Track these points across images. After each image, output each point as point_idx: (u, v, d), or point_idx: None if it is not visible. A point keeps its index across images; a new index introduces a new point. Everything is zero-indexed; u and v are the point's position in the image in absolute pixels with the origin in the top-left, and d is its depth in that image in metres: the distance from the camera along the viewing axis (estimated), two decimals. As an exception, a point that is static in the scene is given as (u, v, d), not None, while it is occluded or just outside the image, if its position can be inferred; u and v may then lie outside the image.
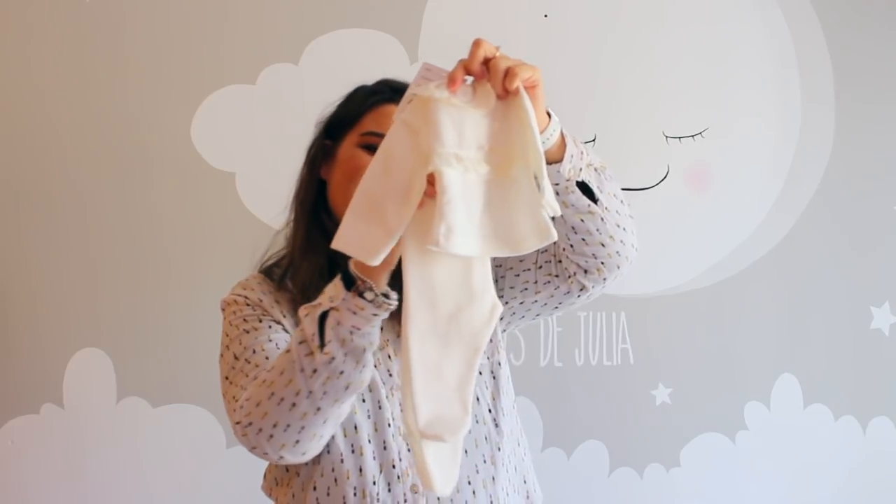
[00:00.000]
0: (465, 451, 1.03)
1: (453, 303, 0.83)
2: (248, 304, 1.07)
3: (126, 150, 1.75)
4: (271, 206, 1.82)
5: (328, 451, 1.02)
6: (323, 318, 0.87)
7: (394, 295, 0.86)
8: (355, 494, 1.02)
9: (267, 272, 1.13)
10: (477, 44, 0.79)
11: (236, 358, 1.02)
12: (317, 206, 1.11)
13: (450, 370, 0.83)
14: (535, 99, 0.80)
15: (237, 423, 0.94)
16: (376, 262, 0.80)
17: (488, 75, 0.79)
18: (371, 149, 1.04)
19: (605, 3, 1.90)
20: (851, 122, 1.97)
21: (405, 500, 1.01)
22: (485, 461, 1.05)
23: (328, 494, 1.03)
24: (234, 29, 1.78)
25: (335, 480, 1.02)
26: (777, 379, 1.96)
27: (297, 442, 0.91)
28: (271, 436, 0.91)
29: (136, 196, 1.76)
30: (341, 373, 0.86)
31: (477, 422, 1.06)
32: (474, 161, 0.79)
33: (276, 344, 1.01)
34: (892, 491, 1.99)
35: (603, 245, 0.96)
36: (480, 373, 1.11)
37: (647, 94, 1.91)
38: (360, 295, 0.84)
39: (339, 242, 0.81)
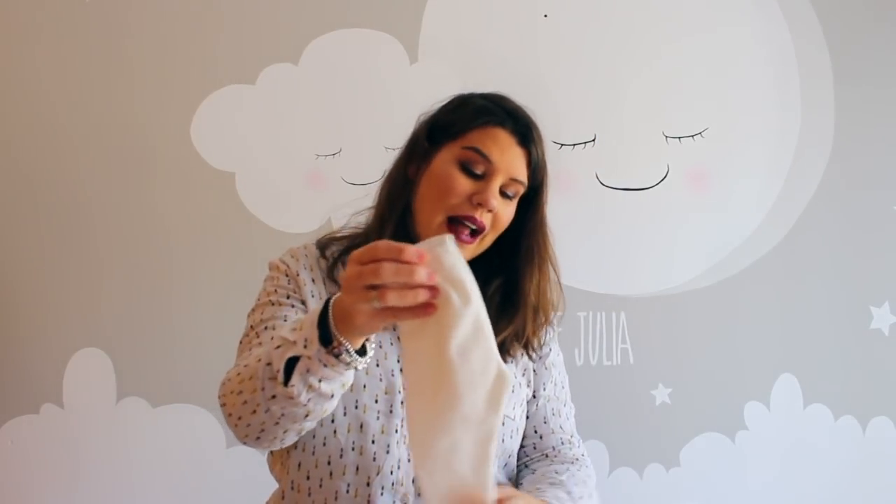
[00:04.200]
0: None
1: (454, 390, 0.77)
2: (286, 275, 1.08)
3: (126, 150, 1.75)
4: (271, 206, 1.84)
5: (324, 444, 1.02)
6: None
7: (371, 352, 0.83)
8: (348, 491, 1.01)
9: (324, 245, 1.13)
10: None
11: (252, 327, 1.05)
12: (401, 202, 1.08)
13: (461, 456, 0.79)
14: None
15: (219, 395, 0.96)
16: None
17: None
18: (468, 167, 1.02)
19: (606, 4, 1.90)
20: (851, 122, 1.97)
21: None
22: None
23: (321, 486, 1.03)
24: (233, 29, 1.78)
25: (330, 474, 1.02)
26: (777, 379, 1.96)
27: (258, 438, 0.93)
28: (235, 424, 0.93)
29: (136, 196, 1.76)
30: (303, 407, 0.85)
31: None
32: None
33: None
34: (891, 491, 1.99)
35: None
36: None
37: (647, 94, 1.91)
38: (335, 354, 0.81)
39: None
